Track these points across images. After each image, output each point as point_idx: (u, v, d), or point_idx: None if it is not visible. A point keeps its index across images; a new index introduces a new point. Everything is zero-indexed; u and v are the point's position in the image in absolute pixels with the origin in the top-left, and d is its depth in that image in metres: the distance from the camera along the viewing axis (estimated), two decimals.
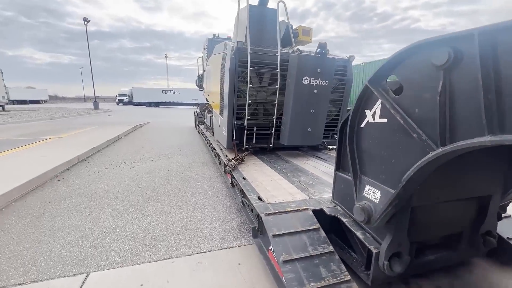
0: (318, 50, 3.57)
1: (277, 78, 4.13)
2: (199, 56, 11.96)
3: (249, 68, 3.78)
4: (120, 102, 44.67)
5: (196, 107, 12.54)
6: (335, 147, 4.99)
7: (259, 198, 2.38)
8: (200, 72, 11.96)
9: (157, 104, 38.90)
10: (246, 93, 4.17)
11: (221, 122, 4.87)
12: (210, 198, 3.74)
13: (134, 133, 10.44)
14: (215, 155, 5.31)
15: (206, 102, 8.36)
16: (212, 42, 7.58)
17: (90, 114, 20.54)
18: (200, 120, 10.73)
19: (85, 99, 68.89)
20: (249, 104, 3.98)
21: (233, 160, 3.62)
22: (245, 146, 4.16)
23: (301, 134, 3.98)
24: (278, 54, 3.99)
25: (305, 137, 4.02)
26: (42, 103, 49.54)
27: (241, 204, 2.87)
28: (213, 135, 6.66)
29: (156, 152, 6.89)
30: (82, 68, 63.89)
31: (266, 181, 2.95)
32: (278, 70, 3.96)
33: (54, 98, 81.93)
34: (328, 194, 2.43)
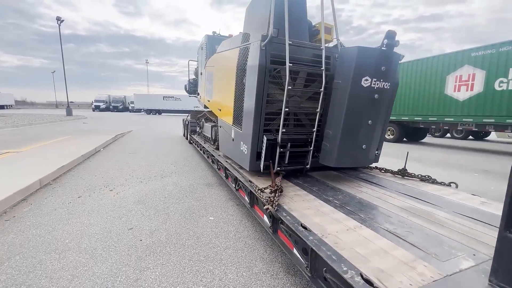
0: (385, 41, 2.65)
1: (317, 79, 3.19)
2: (190, 59, 10.94)
3: (288, 64, 2.78)
4: (97, 108, 41.85)
5: (187, 115, 11.31)
6: (375, 165, 4.17)
7: (367, 281, 1.34)
8: (192, 76, 10.91)
9: (158, 112, 36.30)
10: (277, 97, 3.17)
11: (236, 135, 3.79)
12: (237, 245, 2.62)
13: (115, 144, 8.98)
14: (226, 176, 4.19)
15: (204, 109, 7.21)
16: (213, 40, 6.53)
17: (62, 121, 18.41)
18: (193, 129, 9.52)
19: (56, 105, 64.16)
20: (287, 113, 2.96)
21: (271, 193, 2.55)
22: (276, 168, 3.11)
23: (353, 152, 3.01)
24: (323, 47, 3.04)
25: (357, 157, 3.05)
26: (7, 108, 45.18)
27: (323, 279, 1.72)
28: (215, 148, 5.53)
29: (145, 169, 5.61)
30: (55, 71, 59.65)
31: (339, 231, 1.92)
32: (323, 68, 3.00)
33: (22, 103, 75.81)
34: (461, 261, 1.47)
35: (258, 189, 2.73)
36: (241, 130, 3.56)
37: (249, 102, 3.22)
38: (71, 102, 43.43)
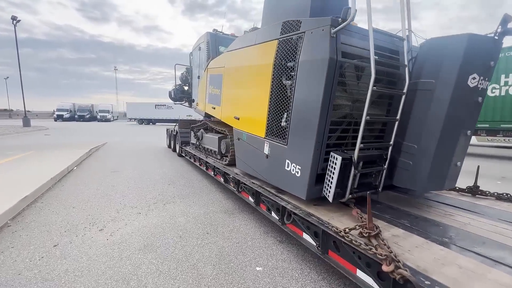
0: (500, 28, 2.05)
1: (383, 78, 2.52)
2: (177, 63, 9.93)
3: (373, 56, 2.04)
4: (60, 117, 37.95)
5: (175, 124, 10.13)
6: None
7: None
8: (178, 82, 9.89)
9: (150, 122, 32.64)
10: (338, 102, 2.44)
11: (274, 151, 2.96)
12: None
13: (90, 160, 7.54)
14: (257, 202, 3.30)
15: (204, 118, 6.22)
16: (217, 38, 5.65)
17: (18, 134, 15.89)
18: (184, 140, 8.42)
19: (10, 114, 57.32)
20: (368, 122, 2.22)
21: (367, 237, 1.75)
22: (348, 195, 2.32)
23: (445, 172, 2.34)
24: (405, 37, 2.38)
25: (448, 177, 2.39)
26: None
27: None
28: (226, 164, 4.60)
29: (138, 194, 4.48)
30: (8, 77, 53.42)
31: None
32: (406, 64, 2.33)
33: None
34: None
35: (340, 231, 1.91)
36: (285, 145, 2.74)
37: (305, 109, 2.44)
38: (28, 111, 38.85)
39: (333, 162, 2.25)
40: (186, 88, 10.39)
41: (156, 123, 31.69)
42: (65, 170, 5.67)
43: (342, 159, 2.16)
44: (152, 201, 4.13)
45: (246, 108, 3.69)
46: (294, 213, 2.48)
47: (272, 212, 2.96)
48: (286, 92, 2.83)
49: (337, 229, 1.95)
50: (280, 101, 2.89)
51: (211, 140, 5.50)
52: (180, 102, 11.17)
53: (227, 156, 4.90)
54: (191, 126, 7.49)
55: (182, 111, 24.92)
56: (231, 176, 4.16)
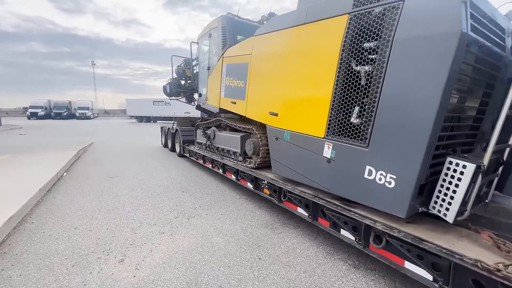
0: None
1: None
2: (174, 54, 9.11)
3: None
4: (34, 115, 35.10)
5: (174, 121, 9.29)
6: None
7: None
8: (175, 75, 9.09)
9: (149, 119, 29.63)
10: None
11: (343, 155, 2.39)
12: None
13: (81, 164, 6.58)
14: (314, 216, 2.71)
15: (217, 114, 5.50)
16: (236, 23, 4.93)
17: None
18: (186, 139, 7.64)
19: None
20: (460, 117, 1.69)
21: None
22: (469, 212, 1.80)
23: None
24: None
25: None
26: None
27: None
28: (253, 167, 3.97)
29: (152, 206, 3.75)
30: None
31: None
32: None
33: None
34: None
35: (494, 268, 1.38)
36: (365, 148, 2.17)
37: (406, 103, 1.87)
38: None
39: (455, 170, 1.71)
40: (183, 82, 9.58)
41: (157, 121, 28.36)
42: (54, 177, 4.77)
43: (476, 167, 1.62)
44: (171, 214, 3.43)
45: (291, 101, 3.07)
46: (392, 236, 1.92)
47: (343, 230, 2.40)
48: (361, 80, 2.26)
49: (487, 265, 1.42)
50: (352, 92, 2.31)
51: (229, 140, 4.82)
52: (177, 98, 10.35)
53: (251, 158, 4.27)
54: (196, 124, 6.73)
55: (177, 108, 22.93)
56: (265, 182, 3.55)
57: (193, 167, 6.53)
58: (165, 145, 10.02)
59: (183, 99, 10.29)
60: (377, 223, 2.06)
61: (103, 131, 17.06)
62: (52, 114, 36.39)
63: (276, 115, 3.32)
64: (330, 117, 2.52)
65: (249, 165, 4.20)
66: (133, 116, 31.29)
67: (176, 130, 8.33)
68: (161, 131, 10.64)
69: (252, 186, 3.91)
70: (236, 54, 4.39)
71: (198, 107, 10.05)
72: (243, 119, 5.04)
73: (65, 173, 5.43)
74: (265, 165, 4.05)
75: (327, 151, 2.56)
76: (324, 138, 2.60)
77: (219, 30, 4.98)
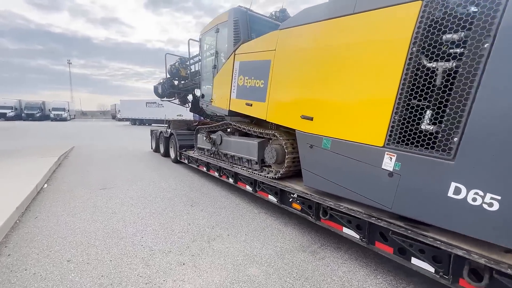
0: None
1: None
2: (168, 52, 8.40)
3: None
4: (2, 116, 32.29)
5: (167, 124, 8.60)
6: None
7: None
8: (167, 75, 8.52)
9: (142, 122, 27.13)
10: None
11: (409, 167, 2.01)
12: None
13: (63, 172, 5.74)
14: (369, 240, 2.29)
15: (226, 117, 4.95)
16: (250, 17, 4.45)
17: None
18: (183, 144, 7.01)
19: None
20: None
21: None
22: None
23: None
24: None
25: None
26: None
27: None
28: (274, 177, 3.51)
29: (159, 225, 3.15)
30: None
31: None
32: None
33: None
34: None
35: None
36: (450, 161, 1.79)
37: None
38: None
39: None
40: (176, 82, 8.95)
41: (152, 124, 25.34)
42: (34, 190, 4.00)
43: None
44: (187, 237, 2.87)
45: (333, 104, 2.64)
46: (501, 272, 1.53)
47: (416, 260, 1.99)
48: (435, 79, 1.89)
49: None
50: (429, 93, 1.93)
51: (242, 146, 4.31)
52: (169, 99, 9.67)
53: (269, 167, 3.81)
54: (197, 127, 6.14)
55: (169, 111, 21.18)
56: (294, 195, 3.09)
57: (194, 175, 5.93)
58: (156, 150, 9.28)
59: (176, 101, 9.65)
60: (472, 253, 1.67)
61: (83, 134, 15.78)
62: (23, 115, 33.65)
63: (311, 119, 2.88)
64: (393, 122, 2.13)
65: (269, 175, 3.73)
66: (126, 119, 29.38)
67: (171, 134, 7.66)
68: (151, 135, 9.88)
69: (276, 200, 3.43)
70: (254, 51, 3.92)
71: (193, 109, 9.47)
72: (254, 122, 4.58)
73: (46, 185, 4.63)
74: (288, 175, 3.61)
75: (389, 163, 2.16)
76: (383, 147, 2.19)
77: (230, 24, 4.48)
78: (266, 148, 3.78)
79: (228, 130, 4.92)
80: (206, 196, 4.37)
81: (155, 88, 9.59)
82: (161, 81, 9.19)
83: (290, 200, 3.19)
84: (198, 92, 8.98)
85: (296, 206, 3.11)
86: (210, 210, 3.74)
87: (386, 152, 2.18)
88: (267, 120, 3.66)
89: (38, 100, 37.39)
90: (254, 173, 3.97)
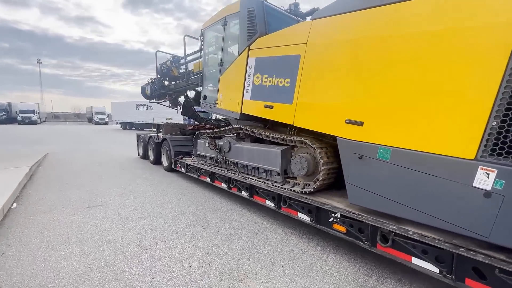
0: None
1: None
2: (159, 49, 7.67)
3: None
4: None
5: (156, 129, 7.80)
6: None
7: None
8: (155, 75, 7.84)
9: (131, 126, 24.61)
10: None
11: None
12: None
13: (37, 185, 4.81)
14: (482, 273, 1.82)
15: (236, 121, 4.32)
16: (267, 8, 3.91)
17: None
18: (178, 151, 6.30)
19: None
20: None
21: None
22: None
23: None
24: None
25: None
26: None
27: None
28: (302, 190, 2.99)
29: (171, 258, 2.49)
30: None
31: None
32: None
33: None
34: None
35: None
36: None
37: None
38: None
39: None
40: (166, 83, 8.22)
41: (145, 129, 22.48)
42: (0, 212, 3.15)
43: None
44: (211, 275, 2.24)
45: (395, 105, 2.18)
46: None
47: None
48: None
49: None
50: None
51: (259, 154, 3.75)
52: (159, 101, 8.88)
53: (294, 179, 3.29)
54: (197, 132, 5.48)
55: (156, 113, 19.43)
56: (337, 215, 2.58)
57: (194, 186, 5.25)
58: (145, 157, 8.42)
59: (167, 103, 8.87)
60: None
61: (57, 139, 14.31)
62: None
63: (361, 124, 2.40)
64: (491, 129, 1.69)
65: (294, 189, 3.20)
66: (118, 122, 27.17)
67: (163, 139, 6.89)
68: (138, 140, 8.99)
69: (309, 219, 2.90)
70: (276, 45, 3.40)
71: (184, 112, 8.73)
72: (268, 127, 4.05)
73: (15, 204, 3.75)
74: (320, 188, 3.10)
75: (485, 180, 1.72)
76: (475, 160, 1.75)
77: (243, 15, 3.93)
78: (293, 158, 3.25)
79: (239, 135, 4.34)
80: (216, 214, 3.74)
81: (143, 89, 8.77)
82: (150, 81, 8.41)
83: (331, 220, 2.68)
84: (191, 94, 8.34)
85: (340, 228, 2.60)
86: (226, 232, 3.13)
87: (480, 167, 1.73)
88: (294, 124, 3.14)
89: (4, 101, 34.14)
90: (276, 186, 3.42)
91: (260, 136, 3.80)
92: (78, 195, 4.35)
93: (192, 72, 6.75)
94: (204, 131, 5.30)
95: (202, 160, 5.36)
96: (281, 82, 3.29)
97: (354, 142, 2.47)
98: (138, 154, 8.99)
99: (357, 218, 2.40)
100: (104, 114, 39.90)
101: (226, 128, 4.54)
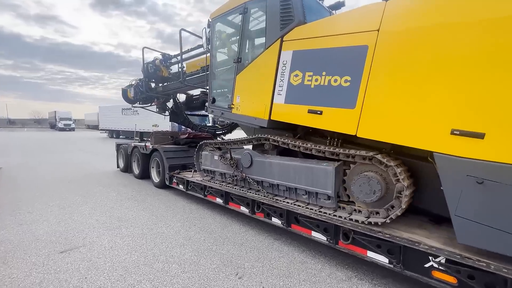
0: None
1: None
2: (145, 46, 6.64)
3: None
4: None
5: (138, 138, 6.66)
6: None
7: None
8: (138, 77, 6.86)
9: (118, 134, 21.53)
10: None
11: None
12: None
13: None
14: None
15: (256, 127, 3.49)
16: None
17: None
18: (173, 164, 5.29)
19: None
20: None
21: None
22: None
23: None
24: None
25: None
26: None
27: None
28: (371, 223, 2.28)
29: None
30: None
31: None
32: None
33: None
34: None
35: None
36: None
37: None
38: None
39: None
40: (153, 85, 7.18)
41: (135, 138, 18.17)
42: None
43: None
44: None
45: None
46: None
47: None
48: None
49: None
50: None
51: (298, 171, 2.96)
52: (144, 105, 7.76)
53: (351, 204, 2.56)
54: (202, 142, 4.54)
55: (138, 119, 16.99)
56: (441, 260, 1.88)
57: (199, 208, 4.30)
58: (126, 170, 7.19)
59: (153, 107, 7.76)
60: None
61: (13, 150, 12.22)
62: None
63: (482, 136, 1.75)
64: None
65: (355, 217, 2.46)
66: (106, 130, 23.60)
67: (154, 150, 5.81)
68: (118, 151, 7.72)
69: (388, 261, 2.17)
70: (326, 34, 2.69)
71: (173, 119, 7.66)
72: (299, 136, 3.32)
73: None
74: (394, 217, 2.40)
75: None
76: None
77: (275, 1, 3.16)
78: (356, 178, 2.52)
79: (264, 146, 3.53)
80: (245, 251, 2.86)
81: (124, 91, 7.60)
82: (134, 82, 7.28)
83: (428, 265, 1.97)
84: (181, 97, 7.35)
85: (444, 277, 1.90)
86: (274, 282, 2.28)
87: None
88: (357, 135, 2.42)
89: None
90: (326, 213, 2.66)
91: (296, 149, 3.03)
92: (47, 229, 3.19)
93: (185, 73, 5.82)
94: (211, 141, 4.39)
95: (208, 176, 4.44)
96: (335, 81, 2.57)
97: (468, 160, 1.81)
98: (118, 167, 7.70)
99: (480, 267, 1.72)
100: (70, 119, 36.50)
101: (245, 138, 3.70)
